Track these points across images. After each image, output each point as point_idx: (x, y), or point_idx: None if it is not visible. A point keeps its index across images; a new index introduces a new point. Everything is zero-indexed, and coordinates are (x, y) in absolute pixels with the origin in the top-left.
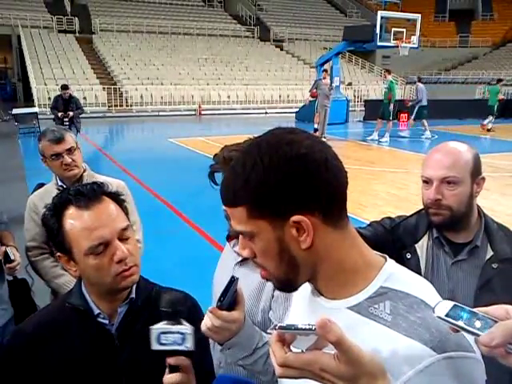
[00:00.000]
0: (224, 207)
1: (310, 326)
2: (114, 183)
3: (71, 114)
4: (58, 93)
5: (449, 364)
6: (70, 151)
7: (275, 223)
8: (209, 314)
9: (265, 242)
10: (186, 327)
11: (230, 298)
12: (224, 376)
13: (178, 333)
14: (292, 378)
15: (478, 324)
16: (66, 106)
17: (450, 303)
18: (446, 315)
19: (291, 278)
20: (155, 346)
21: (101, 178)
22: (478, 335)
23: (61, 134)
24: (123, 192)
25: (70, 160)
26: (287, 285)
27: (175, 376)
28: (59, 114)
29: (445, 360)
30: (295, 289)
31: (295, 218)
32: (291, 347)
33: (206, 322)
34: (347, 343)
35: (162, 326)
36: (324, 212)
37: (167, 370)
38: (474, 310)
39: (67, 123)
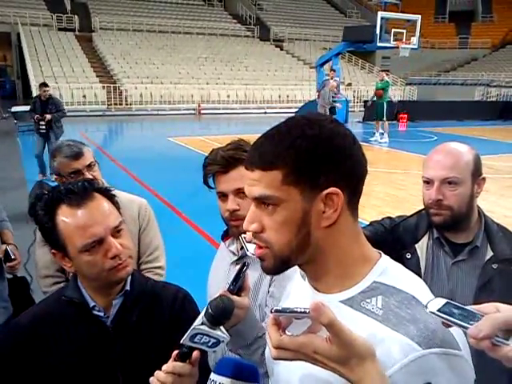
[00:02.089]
0: (250, 171)
1: (304, 310)
2: (136, 201)
3: (48, 116)
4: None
5: (433, 359)
6: (89, 167)
7: (307, 193)
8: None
9: (289, 212)
10: (225, 335)
11: (240, 284)
12: (227, 358)
13: (215, 338)
14: (286, 359)
15: (468, 319)
16: (44, 107)
17: (443, 300)
18: (438, 310)
19: (292, 257)
20: (186, 342)
21: (123, 196)
22: (467, 328)
23: (79, 148)
24: (146, 212)
25: (91, 177)
26: (282, 264)
27: (188, 367)
28: (35, 117)
29: (430, 355)
30: (284, 270)
31: (331, 189)
32: (286, 332)
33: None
34: (339, 326)
35: (203, 327)
36: (351, 193)
37: (176, 358)
38: (466, 306)
39: (43, 127)
